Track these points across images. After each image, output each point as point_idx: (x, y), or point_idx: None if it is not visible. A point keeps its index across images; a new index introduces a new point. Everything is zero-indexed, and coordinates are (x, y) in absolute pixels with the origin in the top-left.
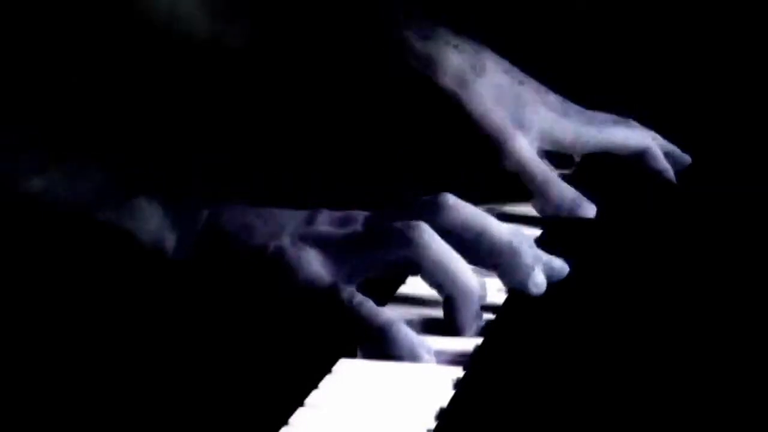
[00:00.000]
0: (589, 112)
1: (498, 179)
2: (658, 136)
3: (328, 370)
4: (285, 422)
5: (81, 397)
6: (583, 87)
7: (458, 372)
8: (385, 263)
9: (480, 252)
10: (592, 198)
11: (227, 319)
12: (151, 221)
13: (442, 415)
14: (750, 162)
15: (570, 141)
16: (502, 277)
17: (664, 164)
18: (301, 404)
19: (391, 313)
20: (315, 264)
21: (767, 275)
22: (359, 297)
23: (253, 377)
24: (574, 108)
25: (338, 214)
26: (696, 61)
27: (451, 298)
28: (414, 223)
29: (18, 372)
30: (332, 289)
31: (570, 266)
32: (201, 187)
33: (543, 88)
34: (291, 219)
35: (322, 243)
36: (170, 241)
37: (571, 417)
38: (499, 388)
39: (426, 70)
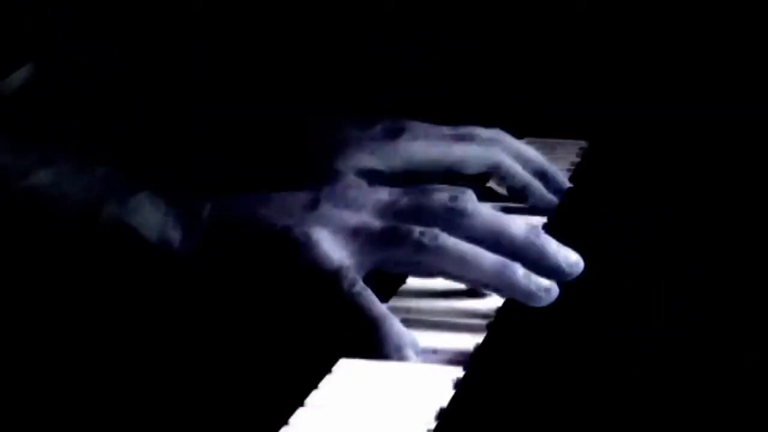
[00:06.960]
0: (434, 127)
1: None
2: (530, 154)
3: (328, 370)
4: (285, 422)
5: (81, 396)
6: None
7: (458, 372)
8: (396, 261)
9: (502, 253)
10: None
11: (227, 319)
12: (155, 217)
13: (442, 415)
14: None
15: (400, 163)
16: (533, 269)
17: (522, 181)
18: (301, 404)
19: (384, 309)
20: (325, 243)
21: (766, 275)
22: (360, 285)
23: (253, 377)
24: (411, 128)
25: (345, 193)
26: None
27: (487, 286)
28: (430, 231)
29: (18, 372)
30: (336, 272)
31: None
32: (202, 182)
33: (364, 120)
34: (298, 202)
35: (333, 225)
36: (176, 236)
37: (570, 417)
38: (499, 388)
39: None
